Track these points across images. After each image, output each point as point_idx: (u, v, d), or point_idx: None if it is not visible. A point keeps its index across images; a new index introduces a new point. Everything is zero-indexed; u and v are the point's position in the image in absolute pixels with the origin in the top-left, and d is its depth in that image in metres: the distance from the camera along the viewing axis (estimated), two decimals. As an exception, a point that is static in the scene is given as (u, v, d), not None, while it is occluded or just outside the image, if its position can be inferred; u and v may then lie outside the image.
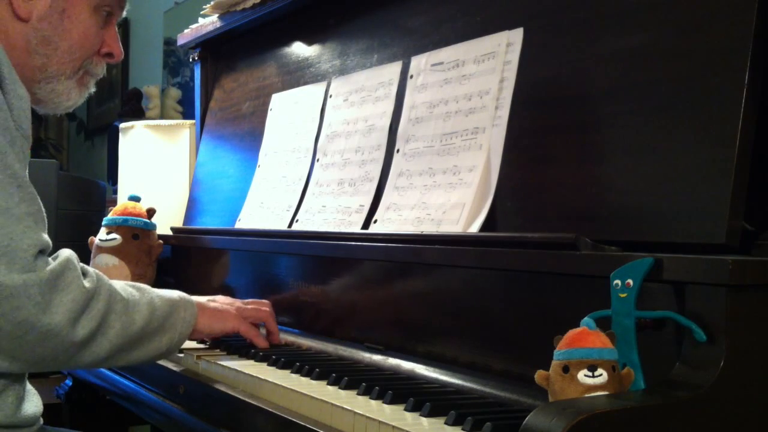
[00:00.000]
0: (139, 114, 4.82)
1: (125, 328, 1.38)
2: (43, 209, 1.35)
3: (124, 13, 1.55)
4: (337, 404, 1.14)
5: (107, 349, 1.36)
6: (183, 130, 2.69)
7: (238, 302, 1.64)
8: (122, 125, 2.81)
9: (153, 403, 1.65)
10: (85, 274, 1.36)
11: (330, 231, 1.67)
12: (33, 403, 1.43)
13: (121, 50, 1.54)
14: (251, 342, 1.59)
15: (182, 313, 1.49)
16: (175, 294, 1.51)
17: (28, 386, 1.45)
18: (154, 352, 1.45)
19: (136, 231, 2.15)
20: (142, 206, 2.20)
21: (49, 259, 1.32)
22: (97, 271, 1.40)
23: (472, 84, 1.49)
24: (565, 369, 0.93)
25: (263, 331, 1.64)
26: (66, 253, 1.35)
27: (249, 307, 1.64)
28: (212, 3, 2.29)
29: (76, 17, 1.45)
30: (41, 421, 1.48)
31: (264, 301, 1.68)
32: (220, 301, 1.63)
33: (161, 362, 1.62)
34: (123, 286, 1.43)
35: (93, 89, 1.55)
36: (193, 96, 2.67)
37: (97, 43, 1.49)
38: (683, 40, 1.16)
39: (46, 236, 1.32)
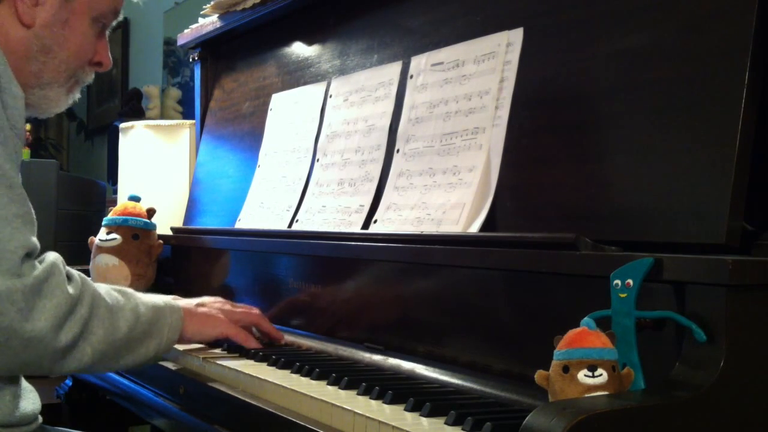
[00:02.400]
0: (139, 114, 4.82)
1: (109, 334, 1.38)
2: (33, 212, 1.34)
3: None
4: (337, 404, 1.14)
5: (90, 355, 1.36)
6: (183, 130, 2.69)
7: (227, 305, 1.64)
8: (122, 125, 2.81)
9: (153, 403, 1.65)
10: (70, 278, 1.35)
11: (330, 231, 1.67)
12: (30, 401, 1.43)
13: (110, 60, 1.55)
14: (243, 346, 1.58)
15: (168, 319, 1.48)
16: (160, 300, 1.51)
17: (25, 384, 1.45)
18: (141, 358, 1.45)
19: (136, 231, 2.15)
20: (142, 206, 2.20)
21: (36, 263, 1.31)
22: (81, 274, 1.39)
23: (472, 84, 1.49)
24: (565, 369, 0.93)
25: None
26: (51, 257, 1.34)
27: (238, 311, 1.63)
28: (212, 3, 2.29)
29: (77, 28, 1.46)
30: (40, 419, 1.48)
31: (253, 307, 1.68)
32: (209, 303, 1.62)
33: (161, 362, 1.62)
34: (108, 290, 1.43)
35: (78, 96, 1.56)
36: (193, 96, 2.67)
37: (91, 52, 1.51)
38: (683, 40, 1.16)
39: (34, 239, 1.31)
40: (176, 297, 1.75)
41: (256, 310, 1.66)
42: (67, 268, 1.37)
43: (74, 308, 1.33)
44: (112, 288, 1.45)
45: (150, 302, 1.48)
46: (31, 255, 1.30)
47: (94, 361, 1.37)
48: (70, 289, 1.33)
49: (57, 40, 1.44)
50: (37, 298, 1.28)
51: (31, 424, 1.43)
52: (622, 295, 0.98)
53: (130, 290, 1.49)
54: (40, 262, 1.32)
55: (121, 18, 1.57)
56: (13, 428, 1.39)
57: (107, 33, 1.55)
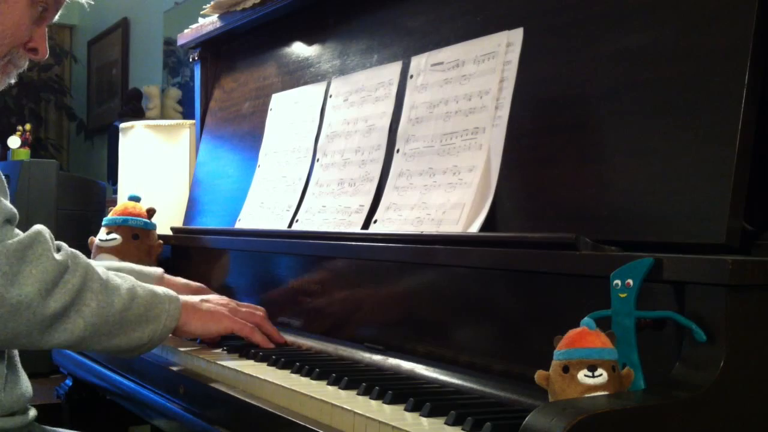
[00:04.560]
0: (139, 114, 4.83)
1: (102, 308, 1.37)
2: (3, 178, 1.35)
3: (57, 17, 1.52)
4: (337, 404, 1.14)
5: (82, 328, 1.35)
6: (183, 130, 2.69)
7: (232, 303, 1.64)
8: (122, 125, 2.81)
9: (153, 403, 1.65)
10: (59, 248, 1.36)
11: (330, 231, 1.67)
12: (18, 386, 1.42)
13: (46, 49, 1.52)
14: (248, 340, 1.59)
15: (167, 306, 1.48)
16: (158, 287, 1.51)
17: (16, 368, 1.44)
18: (136, 342, 1.44)
19: (136, 231, 2.15)
20: (142, 206, 2.20)
21: (17, 230, 1.31)
22: (74, 250, 1.39)
23: (472, 84, 1.49)
24: (565, 369, 0.93)
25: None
26: (38, 227, 1.34)
27: (243, 309, 1.63)
28: (212, 3, 2.29)
29: (13, 5, 1.43)
30: (33, 411, 1.47)
31: (258, 306, 1.68)
32: (214, 300, 1.62)
33: (161, 362, 1.63)
34: (104, 269, 1.43)
35: (13, 80, 1.52)
36: (193, 96, 2.67)
37: (27, 36, 1.47)
38: (683, 40, 1.16)
39: (9, 205, 1.31)
40: (190, 284, 1.75)
41: (260, 312, 1.66)
42: (58, 242, 1.37)
43: (63, 275, 1.33)
44: (109, 269, 1.46)
45: (148, 287, 1.48)
46: (11, 221, 1.30)
47: (85, 335, 1.37)
48: (58, 257, 1.33)
49: None
50: (22, 263, 1.28)
51: (24, 413, 1.42)
52: (622, 295, 0.98)
53: (127, 275, 1.49)
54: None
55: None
56: (5, 419, 1.38)
57: (48, 23, 1.51)
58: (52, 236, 1.37)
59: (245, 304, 1.68)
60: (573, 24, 1.34)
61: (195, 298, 1.60)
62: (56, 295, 1.32)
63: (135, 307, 1.43)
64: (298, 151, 1.94)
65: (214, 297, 1.65)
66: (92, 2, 1.68)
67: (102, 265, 1.48)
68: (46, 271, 1.31)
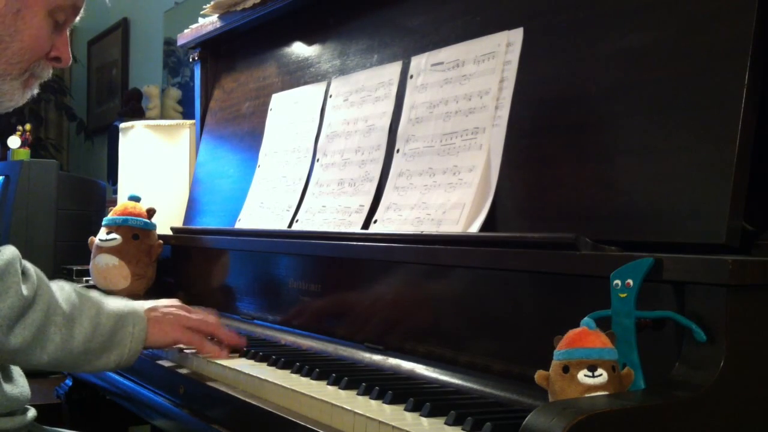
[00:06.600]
0: (139, 114, 4.82)
1: (65, 341, 1.37)
2: None
3: (77, 20, 1.50)
4: (337, 404, 1.14)
5: (47, 362, 1.36)
6: (183, 130, 2.69)
7: (182, 310, 1.58)
8: (122, 125, 2.81)
9: (153, 403, 1.65)
10: (25, 275, 1.34)
11: (330, 231, 1.67)
12: (15, 387, 1.42)
13: (69, 56, 1.49)
14: (199, 351, 1.54)
15: (130, 328, 1.46)
16: (123, 306, 1.48)
17: (12, 369, 1.44)
18: (102, 367, 1.44)
19: (136, 231, 2.15)
20: (142, 206, 2.20)
21: None
22: (38, 272, 1.38)
23: (472, 84, 1.49)
24: (565, 369, 0.93)
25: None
26: (8, 255, 1.32)
27: (194, 317, 1.56)
28: (212, 3, 2.29)
29: (30, 19, 1.40)
30: (33, 411, 1.47)
31: (210, 309, 1.62)
32: (162, 308, 1.56)
33: (161, 362, 1.63)
34: (68, 295, 1.41)
35: (36, 91, 1.50)
36: (193, 96, 2.67)
37: (48, 46, 1.45)
38: (683, 40, 1.16)
39: None
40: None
41: (212, 319, 1.59)
42: (24, 263, 1.36)
43: (26, 312, 1.32)
44: (74, 289, 1.44)
45: (113, 309, 1.45)
46: None
47: (51, 367, 1.39)
48: (24, 291, 1.32)
49: (8, 31, 1.39)
50: None
51: (23, 413, 1.42)
52: (622, 295, 0.98)
53: (94, 294, 1.46)
54: None
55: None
56: (4, 419, 1.38)
57: (68, 29, 1.48)
58: (21, 259, 1.35)
59: (197, 310, 1.60)
60: (573, 24, 1.34)
61: (144, 305, 1.54)
62: (17, 331, 1.31)
63: (98, 336, 1.41)
64: (298, 151, 1.94)
65: (164, 302, 1.58)
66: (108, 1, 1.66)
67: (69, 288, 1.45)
68: (11, 307, 1.30)
